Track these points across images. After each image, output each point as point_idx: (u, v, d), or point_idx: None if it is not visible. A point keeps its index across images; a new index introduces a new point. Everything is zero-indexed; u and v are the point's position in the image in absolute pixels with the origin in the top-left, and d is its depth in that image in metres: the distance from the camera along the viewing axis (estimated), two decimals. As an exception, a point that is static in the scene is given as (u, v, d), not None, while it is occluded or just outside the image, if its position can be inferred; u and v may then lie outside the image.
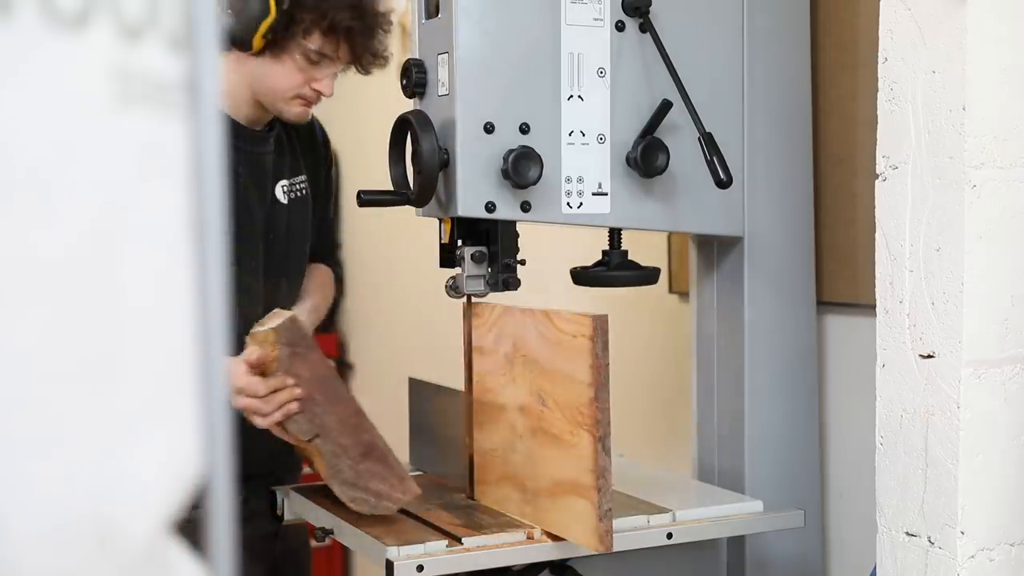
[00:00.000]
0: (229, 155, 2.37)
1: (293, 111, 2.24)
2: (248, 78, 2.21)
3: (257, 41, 2.13)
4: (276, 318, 2.05)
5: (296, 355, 2.02)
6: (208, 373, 0.66)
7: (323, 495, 2.18)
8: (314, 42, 2.15)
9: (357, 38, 2.16)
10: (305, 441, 2.09)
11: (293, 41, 2.14)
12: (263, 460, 2.24)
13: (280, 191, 2.35)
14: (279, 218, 2.36)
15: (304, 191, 2.40)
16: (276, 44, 2.14)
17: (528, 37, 2.03)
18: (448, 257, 2.11)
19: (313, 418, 2.06)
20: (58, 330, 0.57)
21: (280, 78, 2.18)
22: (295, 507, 2.27)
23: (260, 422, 2.04)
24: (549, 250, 2.77)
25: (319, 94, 2.22)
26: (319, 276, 2.54)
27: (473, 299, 2.15)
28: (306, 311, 2.40)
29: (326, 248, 2.61)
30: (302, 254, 2.44)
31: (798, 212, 2.32)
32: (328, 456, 2.07)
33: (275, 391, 2.01)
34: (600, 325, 1.83)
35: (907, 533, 1.73)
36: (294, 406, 2.03)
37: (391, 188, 2.11)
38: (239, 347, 2.08)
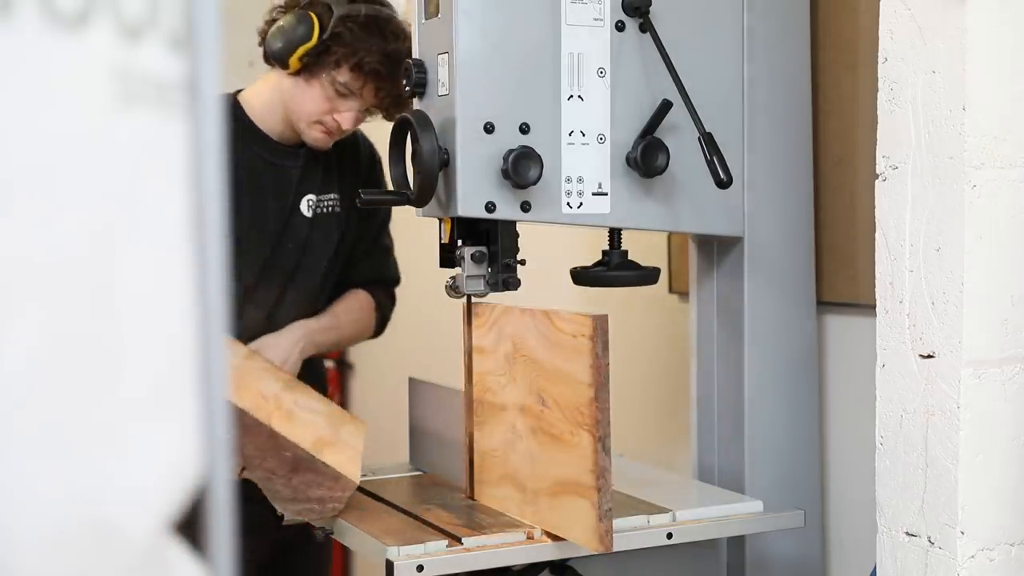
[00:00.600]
0: (256, 163, 2.44)
1: (313, 135, 2.36)
2: (283, 95, 2.36)
3: (294, 61, 2.29)
4: None
5: None
6: (208, 373, 0.66)
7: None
8: (342, 75, 2.29)
9: (382, 82, 2.29)
10: (236, 477, 2.10)
11: (324, 70, 2.29)
12: None
13: (305, 204, 2.43)
14: (299, 230, 2.42)
15: (333, 208, 2.47)
16: (310, 69, 2.30)
17: (528, 37, 2.02)
18: (448, 257, 2.11)
19: (233, 454, 2.07)
20: (58, 330, 0.57)
21: (307, 101, 2.32)
22: (295, 507, 2.27)
23: None
24: (549, 250, 2.77)
25: (339, 125, 2.34)
26: (350, 299, 2.55)
27: (473, 299, 2.15)
28: (309, 327, 2.43)
29: (372, 272, 2.61)
30: (317, 268, 2.47)
31: (798, 212, 2.32)
32: (261, 483, 2.08)
33: None
34: (600, 325, 1.83)
35: (907, 533, 1.73)
36: None
37: (391, 188, 2.12)
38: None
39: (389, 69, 2.28)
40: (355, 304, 2.56)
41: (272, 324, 2.42)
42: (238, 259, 2.29)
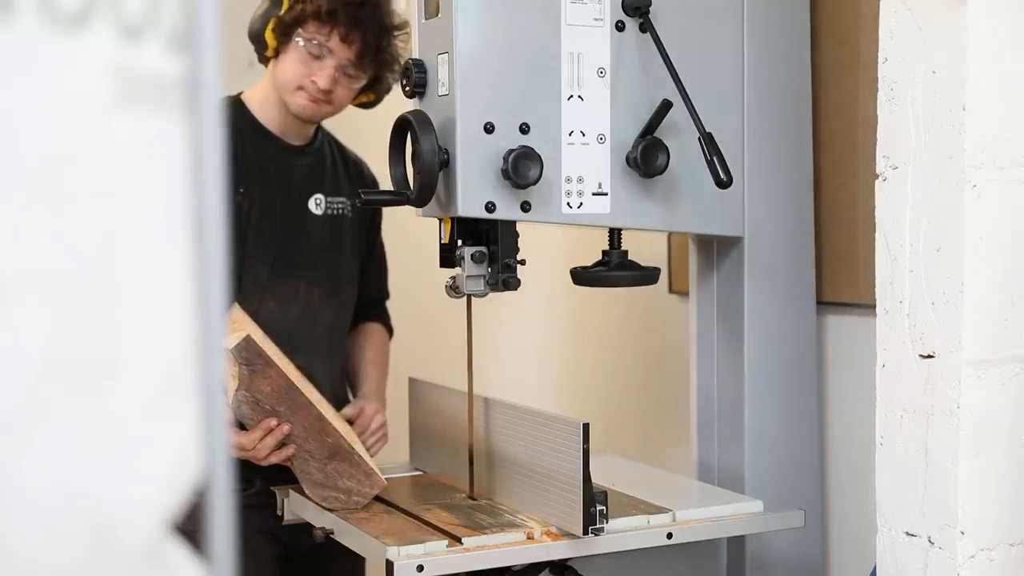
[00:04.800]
0: (262, 157, 2.51)
1: (298, 103, 2.40)
2: (275, 83, 2.42)
3: (269, 36, 2.35)
4: (232, 331, 2.11)
5: (255, 372, 2.11)
6: (208, 373, 0.66)
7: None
8: (308, 30, 2.34)
9: (347, 28, 2.32)
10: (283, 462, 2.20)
11: (294, 34, 2.35)
12: None
13: (313, 203, 2.49)
14: (310, 227, 2.48)
15: (342, 211, 2.53)
16: (284, 39, 2.36)
17: (528, 37, 2.02)
18: (448, 257, 2.11)
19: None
20: (58, 330, 0.57)
21: (286, 69, 2.38)
22: (295, 507, 2.27)
23: (262, 463, 2.19)
24: (549, 250, 2.77)
25: (317, 86, 2.36)
26: (374, 341, 2.65)
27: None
28: (379, 391, 2.57)
29: (379, 291, 2.71)
30: (336, 267, 2.53)
31: (798, 212, 2.32)
32: (297, 462, 2.18)
33: (262, 439, 2.16)
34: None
35: (907, 533, 1.73)
36: (291, 449, 2.17)
37: (391, 188, 2.12)
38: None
39: (349, 13, 2.33)
40: (379, 341, 2.67)
41: (310, 324, 2.47)
42: (248, 253, 2.35)
